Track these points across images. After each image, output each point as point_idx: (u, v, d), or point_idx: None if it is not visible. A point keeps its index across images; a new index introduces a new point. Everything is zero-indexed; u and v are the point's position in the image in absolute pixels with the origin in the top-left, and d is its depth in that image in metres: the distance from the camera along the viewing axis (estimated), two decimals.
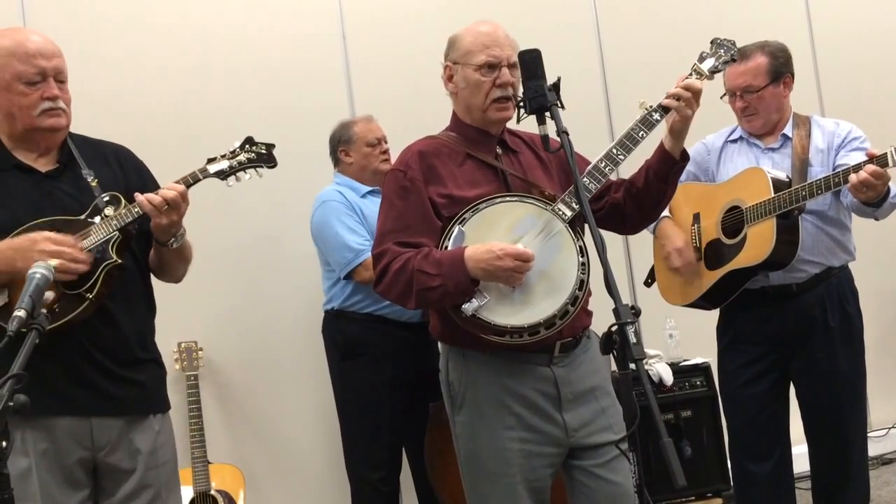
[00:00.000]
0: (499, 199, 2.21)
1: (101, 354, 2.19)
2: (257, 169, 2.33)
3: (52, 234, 2.11)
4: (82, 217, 2.19)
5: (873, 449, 3.66)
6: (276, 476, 3.94)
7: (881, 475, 4.32)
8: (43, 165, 2.26)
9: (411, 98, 4.01)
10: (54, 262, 1.99)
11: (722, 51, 2.41)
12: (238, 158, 2.31)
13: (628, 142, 2.24)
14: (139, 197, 2.16)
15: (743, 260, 2.83)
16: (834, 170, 2.79)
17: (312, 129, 3.83)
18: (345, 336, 3.45)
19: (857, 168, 2.57)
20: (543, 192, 2.26)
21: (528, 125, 2.24)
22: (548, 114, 2.05)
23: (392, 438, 3.46)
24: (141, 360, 2.29)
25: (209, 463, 3.52)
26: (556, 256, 2.16)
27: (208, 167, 2.28)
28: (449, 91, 2.38)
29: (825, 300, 2.90)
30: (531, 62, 2.06)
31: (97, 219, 2.18)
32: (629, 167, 2.34)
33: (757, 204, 2.80)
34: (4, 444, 1.54)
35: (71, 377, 2.16)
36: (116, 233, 2.16)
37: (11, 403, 1.54)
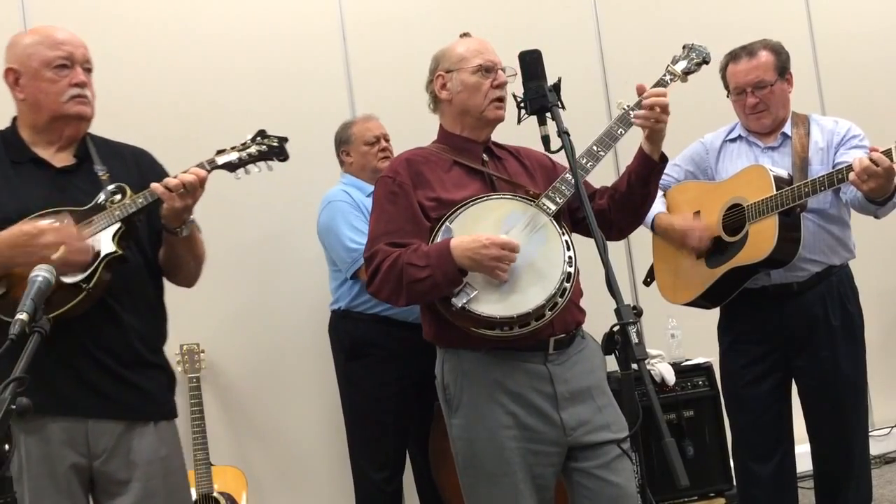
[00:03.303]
0: (485, 198, 2.25)
1: (102, 353, 2.12)
2: (268, 162, 2.26)
3: (53, 225, 2.05)
4: (86, 207, 2.14)
5: (875, 448, 3.65)
6: (278, 478, 3.94)
7: (884, 474, 4.32)
8: (59, 161, 2.22)
9: (411, 99, 3.95)
10: (58, 253, 1.98)
11: (693, 54, 2.46)
12: (249, 150, 2.23)
13: (607, 139, 2.30)
14: (154, 185, 2.11)
15: (744, 257, 2.82)
16: (834, 167, 2.79)
17: (313, 131, 3.83)
18: (351, 336, 3.46)
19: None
20: (528, 191, 2.30)
21: (531, 126, 2.24)
22: (548, 114, 2.05)
23: (397, 439, 3.45)
24: (146, 363, 2.21)
25: (211, 465, 3.52)
26: (542, 248, 2.19)
27: (216, 158, 2.22)
28: (442, 99, 2.40)
29: (826, 299, 2.90)
30: (532, 63, 2.07)
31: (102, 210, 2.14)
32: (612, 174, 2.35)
33: (759, 201, 2.79)
34: (7, 447, 1.54)
35: (69, 375, 2.08)
36: (119, 223, 2.11)
37: (14, 407, 1.54)
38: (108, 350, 2.13)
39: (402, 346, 3.38)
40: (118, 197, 2.14)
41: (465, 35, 2.44)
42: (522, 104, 2.12)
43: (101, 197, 2.14)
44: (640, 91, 2.30)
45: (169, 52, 3.91)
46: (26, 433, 2.05)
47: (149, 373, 2.21)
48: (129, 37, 3.86)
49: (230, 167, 2.22)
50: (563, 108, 2.07)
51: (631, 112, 2.30)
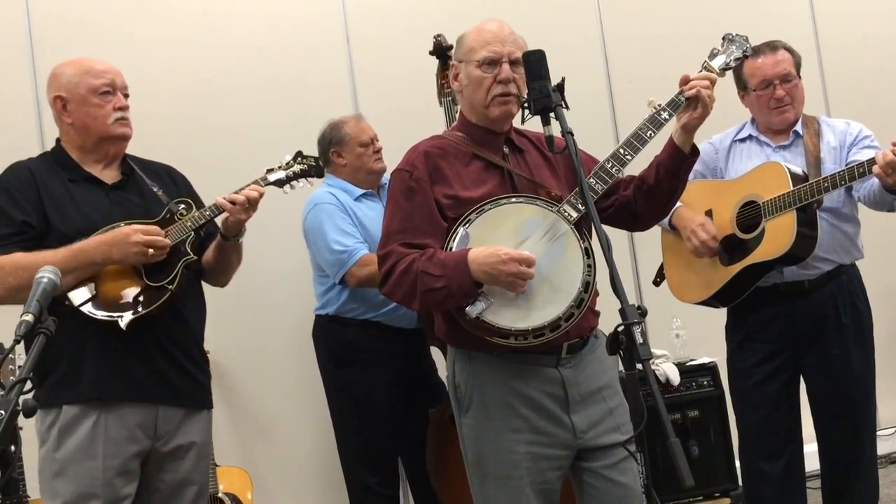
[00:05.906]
0: (504, 201, 2.19)
1: (173, 348, 2.42)
2: (308, 179, 2.60)
3: (141, 226, 2.34)
4: (158, 219, 2.42)
5: (881, 448, 3.64)
6: (283, 478, 3.94)
7: (889, 474, 4.31)
8: (108, 178, 2.48)
9: (416, 103, 4.00)
10: (150, 252, 2.30)
11: (734, 47, 2.40)
12: (293, 169, 2.58)
13: (636, 141, 2.23)
14: (220, 200, 2.43)
15: (762, 253, 2.80)
16: (847, 166, 2.78)
17: (316, 134, 3.84)
18: (340, 342, 3.41)
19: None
20: (550, 192, 2.25)
21: (533, 125, 2.24)
22: (552, 114, 2.04)
23: (389, 444, 3.44)
24: (202, 358, 2.56)
25: (216, 465, 3.51)
26: (561, 259, 2.14)
27: (268, 176, 2.55)
28: (455, 90, 2.38)
29: (837, 297, 2.90)
30: (535, 63, 2.06)
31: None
32: (636, 166, 2.34)
33: (776, 197, 2.78)
34: (13, 447, 1.54)
35: (145, 367, 2.36)
36: (192, 232, 2.41)
37: (19, 408, 1.55)
38: (178, 345, 2.44)
39: (391, 350, 3.36)
40: (184, 209, 2.44)
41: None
42: (526, 104, 2.11)
43: (170, 210, 2.45)
44: (684, 82, 2.24)
45: (173, 60, 3.92)
46: (108, 415, 2.31)
47: (202, 366, 2.57)
48: (132, 45, 3.86)
49: (279, 183, 2.57)
50: (567, 107, 2.06)
51: (663, 112, 2.23)
